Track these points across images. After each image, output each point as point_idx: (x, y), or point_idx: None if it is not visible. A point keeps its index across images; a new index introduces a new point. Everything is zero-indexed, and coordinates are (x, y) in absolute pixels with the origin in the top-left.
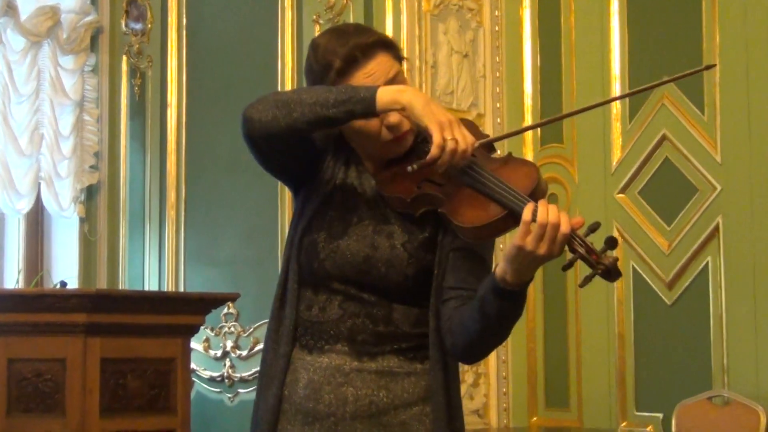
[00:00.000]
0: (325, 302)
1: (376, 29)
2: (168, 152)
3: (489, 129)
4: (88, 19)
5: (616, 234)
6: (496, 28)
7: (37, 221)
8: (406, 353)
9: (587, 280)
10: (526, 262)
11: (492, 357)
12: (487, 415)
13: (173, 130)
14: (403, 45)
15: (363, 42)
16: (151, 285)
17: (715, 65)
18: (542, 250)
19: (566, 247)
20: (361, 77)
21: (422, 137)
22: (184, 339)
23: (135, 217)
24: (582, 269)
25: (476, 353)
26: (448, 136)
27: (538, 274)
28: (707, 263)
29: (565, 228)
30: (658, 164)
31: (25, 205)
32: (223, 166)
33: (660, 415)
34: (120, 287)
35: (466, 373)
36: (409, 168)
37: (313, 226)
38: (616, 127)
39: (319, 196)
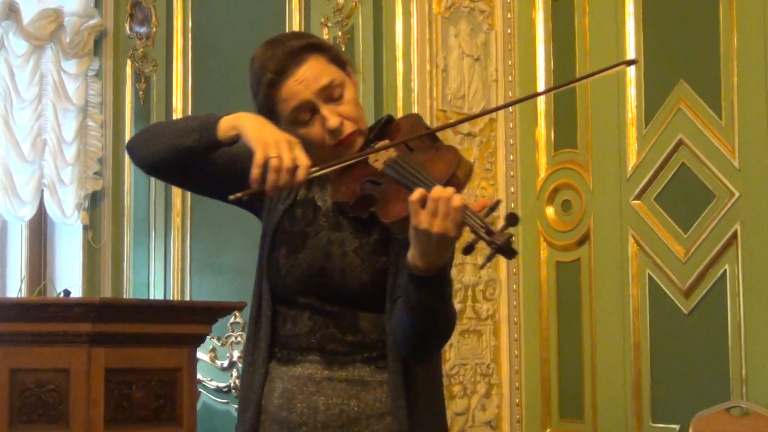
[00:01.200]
0: (296, 316)
1: (313, 34)
2: None
3: (501, 133)
4: (92, 22)
5: (631, 242)
6: (509, 31)
7: (40, 229)
8: (376, 362)
9: (487, 260)
10: (426, 243)
11: (505, 367)
12: (499, 427)
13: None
14: (414, 48)
15: (290, 49)
16: (156, 294)
17: (636, 60)
18: (436, 226)
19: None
20: (293, 85)
21: (371, 139)
22: (190, 349)
23: (140, 224)
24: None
25: (417, 349)
26: (272, 154)
27: (552, 282)
28: (725, 271)
29: (456, 202)
30: (674, 170)
31: (28, 212)
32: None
33: (677, 427)
34: (125, 296)
35: (479, 383)
36: (231, 197)
37: (276, 244)
38: (632, 132)
39: (279, 214)
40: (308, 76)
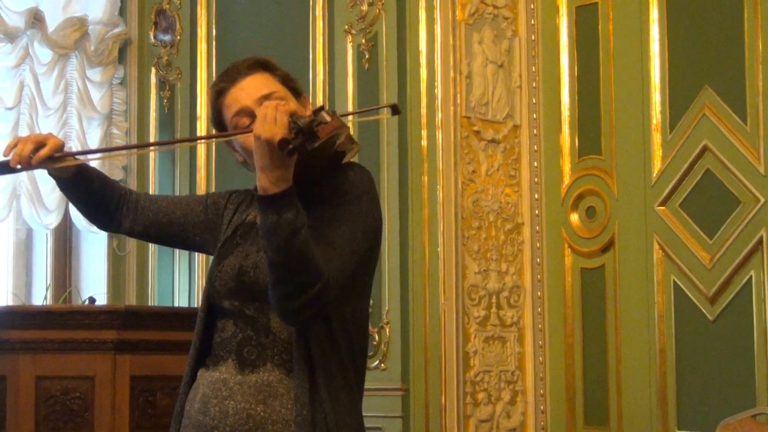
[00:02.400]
0: (225, 323)
1: (267, 57)
2: (197, 166)
3: (525, 139)
4: (116, 30)
5: (656, 248)
6: (533, 37)
7: (65, 237)
8: (287, 365)
9: (295, 148)
10: (261, 152)
11: (529, 374)
12: None
13: (203, 143)
14: (437, 55)
15: (242, 65)
16: (180, 301)
17: (395, 105)
18: (265, 131)
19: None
20: (236, 92)
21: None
22: None
23: None
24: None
25: (276, 300)
26: (17, 148)
27: (576, 288)
28: (750, 277)
29: (280, 107)
30: (699, 176)
31: (54, 220)
32: (253, 180)
33: None
34: (149, 303)
35: (504, 390)
36: None
37: (214, 262)
38: (656, 138)
39: (221, 240)
40: (250, 86)
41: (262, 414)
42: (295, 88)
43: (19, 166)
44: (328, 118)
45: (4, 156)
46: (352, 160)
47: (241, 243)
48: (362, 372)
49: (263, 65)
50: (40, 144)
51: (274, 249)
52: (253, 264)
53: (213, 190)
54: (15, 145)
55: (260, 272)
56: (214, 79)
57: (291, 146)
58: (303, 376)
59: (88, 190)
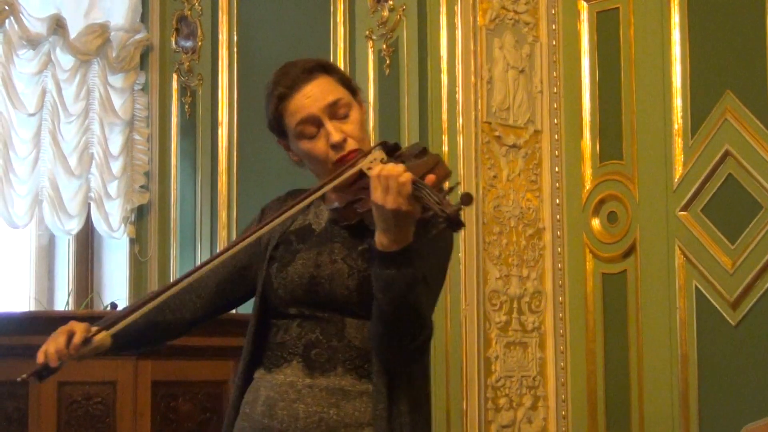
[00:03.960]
0: (287, 325)
1: (322, 58)
2: (219, 171)
3: (546, 144)
4: (138, 37)
5: (678, 253)
6: (553, 43)
7: (87, 242)
8: (359, 370)
9: (435, 229)
10: (384, 219)
11: (551, 379)
12: None
13: (224, 149)
14: (458, 60)
15: (302, 67)
16: None
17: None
18: (390, 201)
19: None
20: (301, 99)
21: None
22: (235, 361)
23: (186, 237)
24: None
25: (384, 347)
26: (50, 347)
27: (598, 294)
28: None
29: (403, 177)
30: (721, 181)
31: (75, 226)
32: (274, 185)
33: None
34: None
35: (525, 396)
36: (18, 379)
37: (270, 263)
38: (678, 143)
39: (273, 243)
40: (316, 92)
41: (335, 417)
42: (353, 88)
43: (59, 363)
44: (449, 201)
45: (39, 362)
46: None
47: (302, 249)
48: (426, 374)
49: (324, 68)
50: (69, 333)
51: (389, 302)
52: (328, 276)
53: (235, 196)
54: (45, 351)
55: (336, 284)
56: (235, 85)
57: (420, 218)
58: (381, 383)
59: (139, 341)
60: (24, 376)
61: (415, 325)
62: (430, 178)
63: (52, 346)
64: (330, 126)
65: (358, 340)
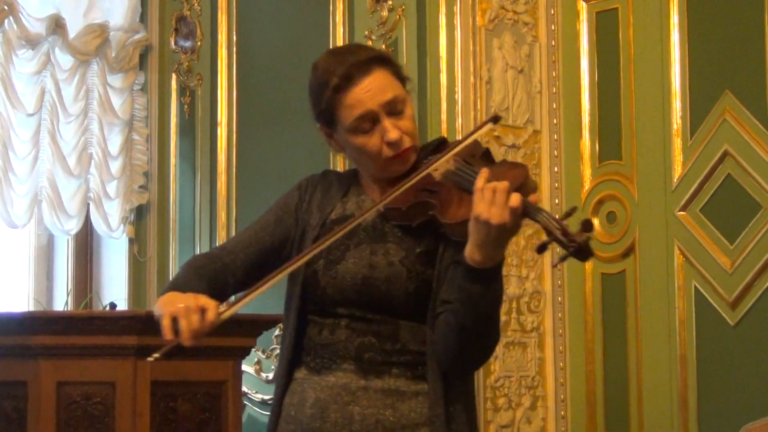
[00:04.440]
0: (333, 325)
1: (374, 47)
2: (218, 172)
3: (545, 144)
4: (137, 37)
5: (677, 253)
6: (553, 43)
7: (86, 242)
8: (413, 371)
9: (561, 259)
10: (484, 234)
11: (550, 379)
12: None
13: (223, 149)
14: (458, 61)
15: (359, 59)
16: None
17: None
18: (495, 217)
19: (543, 232)
20: (359, 93)
21: (425, 154)
22: (235, 361)
23: (185, 237)
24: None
25: (461, 361)
26: (175, 311)
27: (597, 294)
28: None
29: (515, 195)
30: (720, 181)
31: (74, 226)
32: (274, 185)
33: None
34: None
35: (524, 396)
36: (149, 359)
37: (312, 259)
38: (677, 143)
39: (314, 232)
40: (375, 87)
41: (391, 419)
42: (404, 79)
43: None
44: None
45: (171, 340)
46: None
47: (352, 248)
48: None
49: (382, 60)
50: (201, 310)
51: (471, 316)
52: (385, 278)
53: (234, 196)
54: (173, 328)
55: (394, 287)
56: (234, 85)
57: (543, 245)
58: (438, 386)
59: None
60: (156, 355)
61: (491, 339)
62: (533, 198)
63: (184, 323)
64: (388, 123)
65: (412, 343)
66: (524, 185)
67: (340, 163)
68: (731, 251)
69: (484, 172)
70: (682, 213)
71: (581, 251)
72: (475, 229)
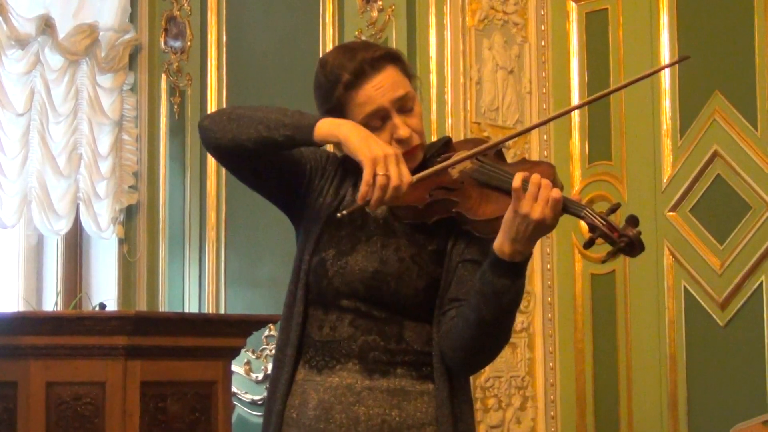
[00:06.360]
0: (336, 321)
1: (383, 45)
2: (208, 172)
3: (535, 145)
4: (127, 37)
5: (666, 254)
6: (542, 43)
7: (75, 243)
8: (419, 371)
9: (610, 255)
10: (522, 229)
11: (540, 380)
12: None
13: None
14: (447, 61)
15: (371, 56)
16: (191, 307)
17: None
18: (536, 212)
19: (588, 229)
20: (370, 90)
21: (431, 152)
22: (225, 362)
23: (175, 238)
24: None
25: (473, 358)
26: (380, 171)
27: (587, 294)
28: (761, 283)
29: (556, 190)
30: (709, 181)
31: (64, 226)
32: None
33: None
34: (160, 309)
35: (514, 396)
36: (338, 215)
37: (320, 247)
38: (666, 144)
39: (324, 217)
40: (386, 84)
41: (397, 419)
42: (412, 76)
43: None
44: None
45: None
46: None
47: (363, 240)
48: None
49: (393, 57)
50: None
51: (493, 310)
52: (395, 274)
53: (223, 197)
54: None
55: (403, 284)
56: (224, 85)
57: (590, 240)
58: (444, 386)
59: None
60: (344, 212)
61: (507, 333)
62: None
63: (395, 175)
64: (398, 120)
65: (416, 343)
66: (555, 181)
67: None
68: (721, 252)
69: (520, 170)
70: (671, 213)
71: (632, 246)
72: (512, 224)
